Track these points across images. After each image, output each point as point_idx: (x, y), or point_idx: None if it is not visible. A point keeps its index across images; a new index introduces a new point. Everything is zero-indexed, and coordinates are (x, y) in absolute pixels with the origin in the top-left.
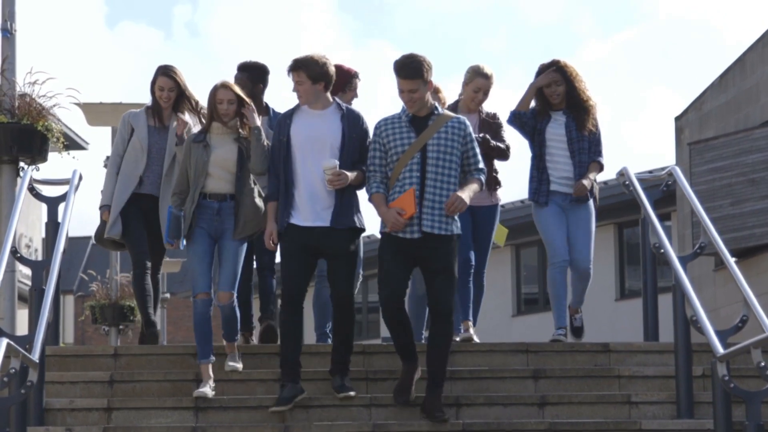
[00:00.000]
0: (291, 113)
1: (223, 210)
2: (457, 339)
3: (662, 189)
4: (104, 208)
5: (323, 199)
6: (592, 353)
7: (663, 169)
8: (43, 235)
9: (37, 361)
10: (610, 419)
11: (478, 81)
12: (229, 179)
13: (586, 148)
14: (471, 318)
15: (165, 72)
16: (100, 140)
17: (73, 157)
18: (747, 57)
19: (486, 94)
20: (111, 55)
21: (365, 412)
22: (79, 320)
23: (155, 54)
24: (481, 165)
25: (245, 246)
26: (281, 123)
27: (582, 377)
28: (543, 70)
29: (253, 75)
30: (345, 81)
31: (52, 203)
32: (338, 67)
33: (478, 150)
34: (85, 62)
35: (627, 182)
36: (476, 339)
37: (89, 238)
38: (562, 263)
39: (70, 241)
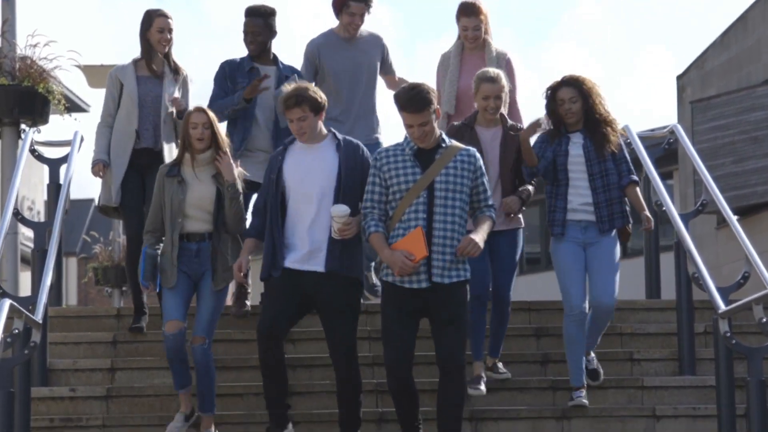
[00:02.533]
0: (283, 149)
1: (203, 251)
2: (482, 389)
3: (664, 147)
4: (98, 161)
5: (317, 241)
6: None
7: (665, 127)
8: (45, 197)
9: (40, 321)
10: (613, 376)
11: (484, 87)
12: (206, 219)
13: (611, 170)
14: (494, 353)
15: (162, 14)
16: (101, 102)
17: (75, 119)
18: (749, 15)
19: (499, 98)
20: (112, 18)
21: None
22: (82, 282)
23: None
24: (491, 201)
25: (227, 291)
26: (273, 159)
27: None
28: (556, 88)
29: (270, 21)
30: (337, 4)
31: (54, 165)
32: None
33: (488, 184)
34: (85, 24)
35: (628, 140)
36: (508, 374)
37: (91, 200)
38: (579, 315)
39: (73, 203)
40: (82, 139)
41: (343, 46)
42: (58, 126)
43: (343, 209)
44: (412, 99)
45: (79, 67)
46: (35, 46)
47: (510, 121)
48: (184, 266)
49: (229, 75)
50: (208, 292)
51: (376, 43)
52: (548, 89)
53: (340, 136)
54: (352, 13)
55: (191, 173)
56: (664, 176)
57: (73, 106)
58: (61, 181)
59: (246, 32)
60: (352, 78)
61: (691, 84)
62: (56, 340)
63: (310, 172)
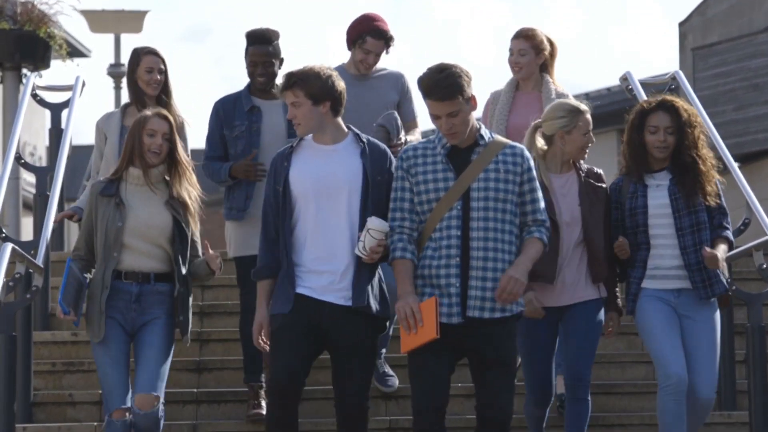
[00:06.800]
0: (289, 152)
1: (145, 295)
2: None
3: (665, 93)
4: (74, 209)
5: (338, 266)
6: None
7: (666, 74)
8: (47, 142)
9: (42, 266)
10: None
11: (583, 120)
12: (155, 254)
13: (703, 223)
14: None
15: (150, 51)
16: (102, 48)
17: (77, 65)
18: None
19: (590, 132)
20: None
21: None
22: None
23: None
24: (543, 216)
25: (172, 351)
26: (277, 166)
27: None
28: (648, 111)
29: (278, 46)
30: (352, 36)
31: (56, 110)
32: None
33: (539, 193)
34: None
35: (630, 87)
36: None
37: (92, 146)
38: (679, 385)
39: (74, 149)
40: (83, 84)
41: (351, 84)
42: (59, 71)
43: (385, 224)
44: (438, 84)
45: (80, 11)
46: None
47: (585, 165)
48: (116, 313)
49: (224, 120)
50: (150, 344)
51: (394, 82)
52: (637, 113)
53: (364, 137)
54: (367, 51)
55: (135, 193)
56: None
57: (74, 51)
58: (63, 126)
59: (254, 63)
60: (359, 120)
61: (693, 31)
62: (58, 284)
63: (326, 179)
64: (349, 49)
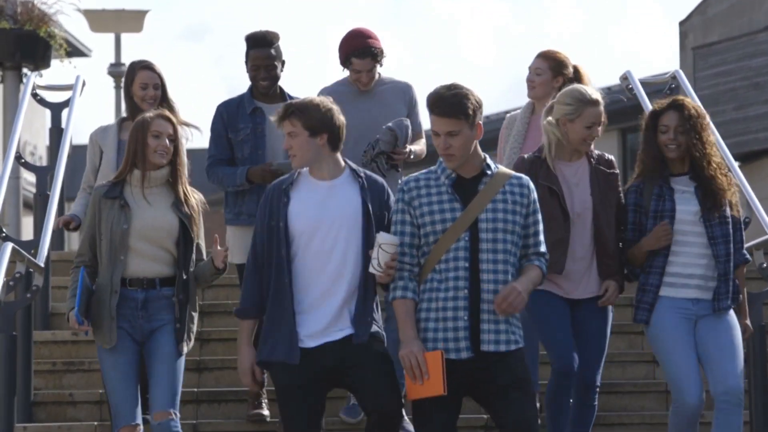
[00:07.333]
0: (286, 187)
1: (151, 301)
2: None
3: (665, 92)
4: (71, 215)
5: (338, 306)
6: None
7: (666, 73)
8: (47, 141)
9: (43, 265)
10: (613, 322)
11: (589, 111)
12: (161, 258)
13: (730, 234)
14: None
15: (145, 65)
16: (102, 47)
17: (74, 67)
18: None
19: (600, 125)
20: None
21: None
22: None
23: None
24: (543, 248)
25: (184, 356)
26: (272, 200)
27: None
28: (660, 112)
29: (279, 48)
30: (340, 58)
31: (56, 109)
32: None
33: (541, 225)
34: None
35: (630, 86)
36: None
37: None
38: (694, 408)
39: (74, 149)
40: (84, 84)
41: (357, 97)
42: (59, 70)
43: (395, 238)
44: (443, 98)
45: (80, 11)
46: None
47: (596, 151)
48: (124, 322)
49: (228, 123)
50: (164, 354)
51: (401, 94)
52: (649, 114)
53: (361, 172)
54: (356, 71)
55: (140, 195)
56: None
57: (74, 51)
58: (63, 126)
59: (256, 67)
60: (366, 133)
61: (693, 30)
62: (58, 284)
63: (327, 217)
64: (344, 69)
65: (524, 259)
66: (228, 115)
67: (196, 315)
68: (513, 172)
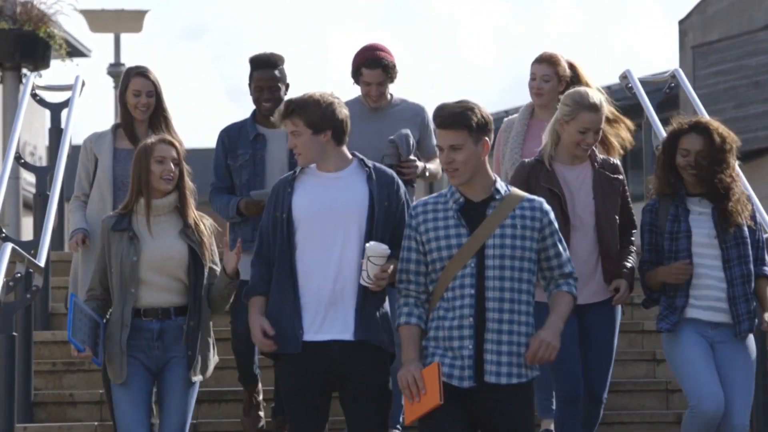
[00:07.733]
0: (292, 179)
1: (167, 331)
2: None
3: (665, 91)
4: (78, 230)
5: (338, 299)
6: None
7: (666, 72)
8: (47, 142)
9: (42, 265)
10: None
11: (584, 117)
12: (173, 288)
13: (748, 255)
14: None
15: (139, 72)
16: (102, 47)
17: (77, 65)
18: None
19: (598, 132)
20: None
21: None
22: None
23: None
24: (570, 268)
25: (197, 385)
26: (279, 192)
27: None
28: (680, 132)
29: (283, 70)
30: (352, 71)
31: (55, 109)
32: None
33: (563, 246)
34: None
35: (629, 85)
36: None
37: None
38: (713, 415)
39: (74, 149)
40: (83, 84)
41: (368, 116)
42: (59, 71)
43: (383, 248)
44: (448, 110)
45: (80, 11)
46: None
47: (601, 156)
48: (140, 353)
49: (228, 149)
50: (178, 385)
51: (413, 116)
52: (669, 133)
53: (369, 163)
54: (366, 83)
55: (147, 225)
56: (666, 122)
57: (74, 51)
58: (63, 126)
59: (260, 89)
60: (375, 154)
61: (693, 29)
62: (58, 284)
63: (331, 208)
64: (355, 84)
65: (552, 284)
66: (229, 141)
67: (212, 341)
68: (525, 194)
